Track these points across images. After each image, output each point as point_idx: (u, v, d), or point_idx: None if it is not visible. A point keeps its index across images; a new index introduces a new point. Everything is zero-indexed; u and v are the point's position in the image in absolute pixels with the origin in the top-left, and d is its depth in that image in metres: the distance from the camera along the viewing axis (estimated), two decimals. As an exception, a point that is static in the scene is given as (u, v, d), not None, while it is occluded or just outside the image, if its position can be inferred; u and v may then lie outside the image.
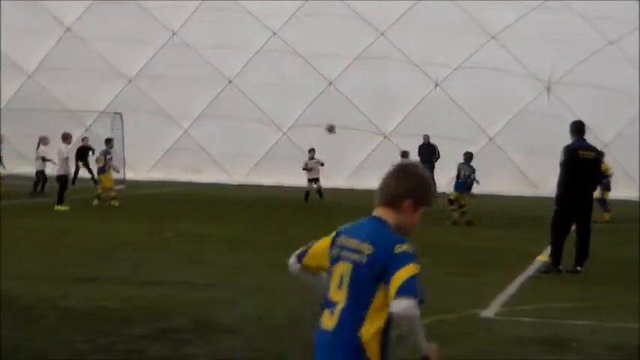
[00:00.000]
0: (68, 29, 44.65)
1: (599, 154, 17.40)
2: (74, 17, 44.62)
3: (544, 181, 36.72)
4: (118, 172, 33.16)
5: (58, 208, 26.98)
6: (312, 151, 35.30)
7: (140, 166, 44.32)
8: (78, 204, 28.86)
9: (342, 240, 5.14)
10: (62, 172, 28.68)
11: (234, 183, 43.25)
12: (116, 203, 29.37)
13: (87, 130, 43.29)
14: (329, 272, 5.22)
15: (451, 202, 26.54)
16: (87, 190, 33.41)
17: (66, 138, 29.48)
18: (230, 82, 44.52)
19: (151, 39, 44.23)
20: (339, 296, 5.05)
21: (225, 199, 35.09)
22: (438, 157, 38.46)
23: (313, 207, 31.99)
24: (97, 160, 31.81)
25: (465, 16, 42.10)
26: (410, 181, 5.13)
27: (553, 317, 12.17)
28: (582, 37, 40.67)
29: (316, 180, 34.39)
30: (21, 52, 44.54)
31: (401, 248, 4.93)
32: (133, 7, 43.88)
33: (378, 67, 43.26)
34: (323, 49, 43.18)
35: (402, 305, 4.80)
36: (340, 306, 5.03)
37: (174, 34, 44.48)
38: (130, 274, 14.90)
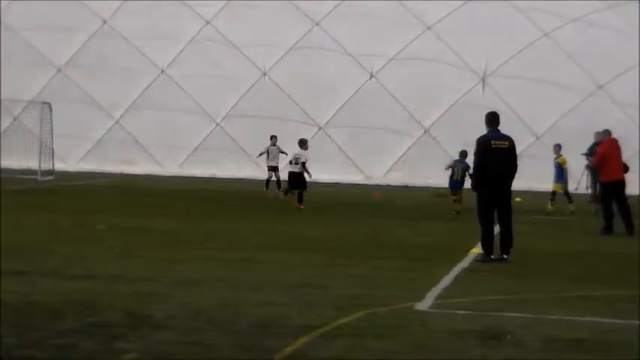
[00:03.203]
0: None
1: (513, 143, 17.43)
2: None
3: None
4: None
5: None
6: (273, 137, 33.80)
7: (70, 157, 44.07)
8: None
9: None
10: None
11: (167, 174, 42.97)
12: None
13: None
14: None
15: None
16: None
17: (303, 143, 29.93)
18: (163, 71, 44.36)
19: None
20: None
21: (156, 190, 34.78)
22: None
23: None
24: None
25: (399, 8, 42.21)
26: None
27: (488, 310, 12.11)
28: (517, 28, 40.91)
29: (275, 169, 33.30)
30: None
31: None
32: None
33: (311, 56, 43.22)
34: (257, 39, 43.03)
35: None
36: None
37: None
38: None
